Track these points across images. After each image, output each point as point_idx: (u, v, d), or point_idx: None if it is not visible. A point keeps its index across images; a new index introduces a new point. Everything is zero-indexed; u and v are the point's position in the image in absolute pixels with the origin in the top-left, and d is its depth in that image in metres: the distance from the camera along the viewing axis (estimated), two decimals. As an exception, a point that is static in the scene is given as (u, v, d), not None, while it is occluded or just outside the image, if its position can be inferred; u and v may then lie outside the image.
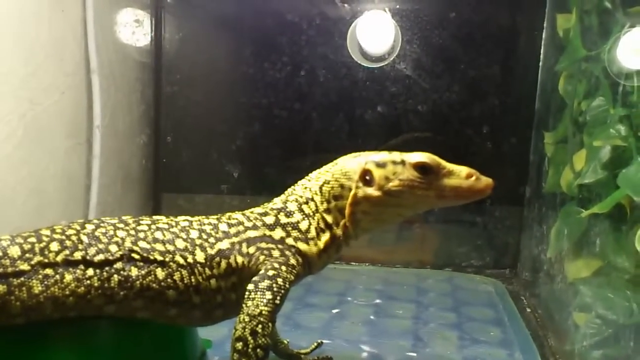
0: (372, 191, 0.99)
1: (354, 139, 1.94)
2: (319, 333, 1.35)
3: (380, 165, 0.99)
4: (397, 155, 1.00)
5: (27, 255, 0.87)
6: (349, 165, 1.02)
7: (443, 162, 0.99)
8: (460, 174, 0.99)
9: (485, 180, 0.99)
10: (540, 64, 1.79)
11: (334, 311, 1.51)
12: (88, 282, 0.88)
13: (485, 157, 1.86)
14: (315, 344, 1.25)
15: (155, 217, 1.00)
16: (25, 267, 0.86)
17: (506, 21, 1.88)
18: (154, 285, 0.91)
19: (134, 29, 1.89)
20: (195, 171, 2.04)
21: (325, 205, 1.02)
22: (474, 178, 0.98)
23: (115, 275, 0.90)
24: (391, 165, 0.99)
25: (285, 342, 1.21)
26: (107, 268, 0.90)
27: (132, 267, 0.91)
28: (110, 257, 0.90)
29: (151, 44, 1.97)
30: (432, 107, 1.88)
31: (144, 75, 1.97)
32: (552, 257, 1.51)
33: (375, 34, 1.85)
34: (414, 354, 1.28)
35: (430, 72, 1.87)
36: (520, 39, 1.88)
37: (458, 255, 1.95)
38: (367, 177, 1.00)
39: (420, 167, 0.98)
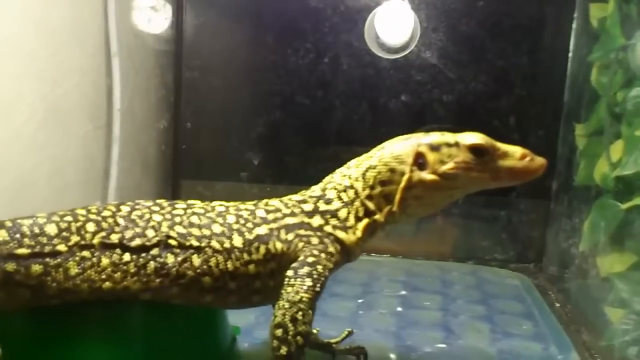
0: (427, 175, 0.96)
1: (377, 128, 1.90)
2: (347, 322, 1.32)
3: (434, 147, 0.96)
4: (450, 137, 0.97)
5: (64, 234, 0.85)
6: (400, 148, 0.99)
7: (497, 143, 0.97)
8: (514, 155, 0.96)
9: (540, 161, 0.97)
10: (571, 54, 1.76)
11: (360, 301, 1.48)
12: (124, 267, 0.86)
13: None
14: (346, 332, 1.21)
15: (189, 201, 0.98)
16: (62, 247, 0.84)
17: (535, 11, 1.85)
18: (190, 272, 0.89)
19: (155, 14, 1.86)
20: (214, 158, 2.01)
21: (367, 191, 0.99)
22: (528, 159, 0.96)
23: (152, 262, 0.88)
24: (445, 148, 0.96)
25: (315, 331, 1.18)
26: (143, 254, 0.88)
27: (169, 254, 0.89)
28: (148, 243, 0.88)
29: (172, 28, 1.94)
30: (458, 97, 1.85)
31: (164, 60, 1.95)
32: (585, 251, 1.48)
33: (393, 25, 1.82)
34: (447, 346, 1.25)
35: (456, 61, 1.83)
36: (549, 29, 1.84)
37: (481, 249, 1.92)
38: (420, 161, 0.96)
39: (475, 149, 0.95)
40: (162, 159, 1.97)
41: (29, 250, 0.83)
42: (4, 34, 1.23)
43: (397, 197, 0.98)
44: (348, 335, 1.21)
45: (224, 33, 2.00)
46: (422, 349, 1.23)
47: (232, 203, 1.00)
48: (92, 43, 1.56)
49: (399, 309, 1.44)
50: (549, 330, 1.36)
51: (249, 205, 0.99)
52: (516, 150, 0.97)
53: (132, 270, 0.87)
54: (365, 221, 0.99)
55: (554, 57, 1.81)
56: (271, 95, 1.95)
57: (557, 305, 1.57)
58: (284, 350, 0.86)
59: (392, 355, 1.20)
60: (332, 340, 1.18)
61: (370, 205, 0.99)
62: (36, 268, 0.83)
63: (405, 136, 1.01)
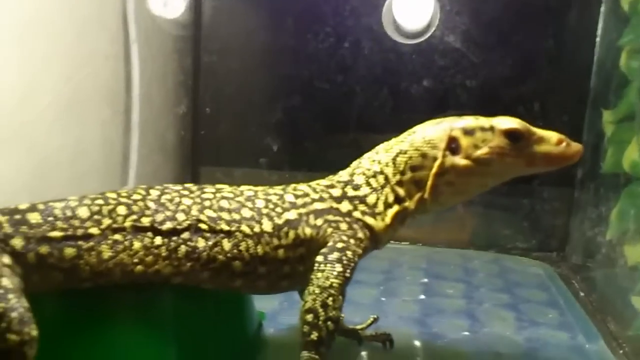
0: (460, 160, 0.94)
1: (398, 114, 1.88)
2: (371, 309, 1.31)
3: (468, 132, 0.94)
4: (485, 121, 0.95)
5: (96, 217, 0.85)
6: (432, 132, 0.97)
7: (532, 128, 0.94)
8: (550, 140, 0.94)
9: (576, 146, 0.95)
10: (599, 39, 1.72)
11: (382, 288, 1.47)
12: (156, 251, 0.86)
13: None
14: (372, 318, 1.20)
15: (218, 186, 0.97)
16: (95, 230, 0.84)
17: (561, -6, 1.82)
18: (220, 256, 0.88)
19: (173, -2, 1.85)
20: (233, 144, 1.99)
21: (398, 177, 0.97)
22: (564, 144, 0.94)
23: (183, 246, 0.87)
24: (480, 132, 0.94)
25: (341, 316, 1.17)
26: (174, 238, 0.87)
27: (199, 238, 0.88)
28: (178, 226, 0.88)
29: (190, 13, 1.92)
30: (481, 82, 1.82)
31: (183, 44, 1.93)
32: (613, 239, 1.45)
33: (411, 9, 1.80)
34: (472, 334, 1.23)
35: (480, 45, 1.80)
36: (575, 12, 1.80)
37: (503, 237, 1.89)
38: (453, 145, 0.94)
39: (511, 134, 0.93)
40: (181, 145, 1.96)
41: (62, 233, 0.82)
42: (32, 14, 1.23)
43: (429, 183, 0.96)
44: (373, 322, 1.19)
45: (242, 17, 1.98)
46: (448, 336, 1.21)
47: (260, 187, 0.99)
48: (112, 28, 1.55)
49: (422, 296, 1.43)
50: (575, 320, 1.34)
51: (278, 189, 0.98)
52: (552, 136, 0.95)
53: (164, 254, 0.86)
54: (395, 208, 0.97)
55: (581, 40, 1.78)
56: (290, 80, 1.94)
57: (582, 294, 1.55)
58: (314, 335, 0.85)
59: (417, 342, 1.18)
60: (358, 327, 1.17)
61: (401, 191, 0.97)
62: (69, 251, 0.82)
63: (437, 120, 0.99)
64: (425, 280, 1.55)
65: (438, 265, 1.67)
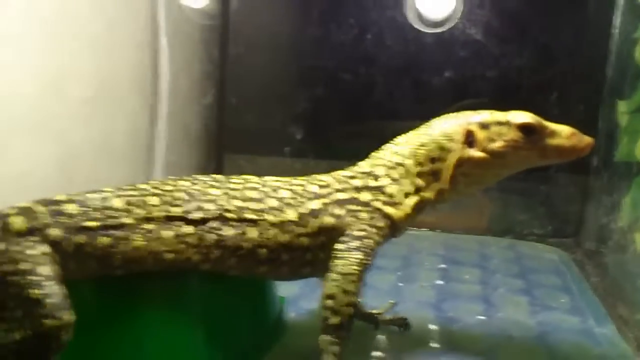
0: (476, 152, 0.99)
1: (419, 104, 1.93)
2: (389, 294, 1.37)
3: (484, 126, 1.00)
4: (500, 116, 1.00)
5: (129, 207, 0.90)
6: (449, 126, 1.02)
7: (545, 122, 1.00)
8: (562, 134, 0.99)
9: (587, 139, 1.00)
10: (617, 30, 1.75)
11: (400, 274, 1.53)
12: (186, 239, 0.91)
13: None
14: (389, 303, 1.26)
15: (244, 176, 1.02)
16: (128, 220, 0.89)
17: (578, -14, 1.85)
18: (247, 244, 0.93)
19: (201, -11, 1.89)
20: (258, 133, 2.05)
21: (417, 168, 1.02)
22: (576, 137, 0.99)
23: (212, 234, 0.92)
24: (495, 126, 0.99)
25: (359, 301, 1.22)
26: (203, 226, 0.92)
27: (227, 227, 0.93)
28: (207, 216, 0.92)
29: (217, 3, 1.97)
30: (501, 73, 1.86)
31: (210, 35, 1.98)
32: (625, 227, 1.50)
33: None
34: (487, 318, 1.28)
35: (500, 37, 1.84)
36: (593, 4, 1.83)
37: (519, 223, 1.94)
38: (470, 139, 1.00)
39: (525, 128, 0.98)
40: (207, 134, 2.01)
41: (97, 223, 0.87)
42: (59, 4, 1.27)
43: (447, 174, 1.01)
44: (391, 307, 1.25)
45: (268, 8, 2.03)
46: (463, 320, 1.27)
47: (284, 178, 1.04)
48: (141, 19, 1.59)
49: (439, 281, 1.48)
50: (587, 304, 1.39)
51: (301, 180, 1.03)
52: (564, 129, 1.00)
53: (194, 242, 0.91)
54: (414, 198, 1.02)
55: (598, 32, 1.81)
56: (314, 70, 1.98)
57: (595, 279, 1.59)
58: (335, 319, 0.91)
59: (433, 326, 1.24)
60: (375, 311, 1.23)
61: (420, 182, 1.02)
62: (104, 240, 0.87)
63: (454, 114, 1.05)
64: (443, 266, 1.60)
65: (455, 252, 1.72)
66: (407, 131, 1.08)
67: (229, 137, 2.05)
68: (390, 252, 1.65)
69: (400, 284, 1.46)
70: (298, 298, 1.31)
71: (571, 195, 1.91)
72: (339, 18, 1.92)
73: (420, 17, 1.87)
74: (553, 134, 0.99)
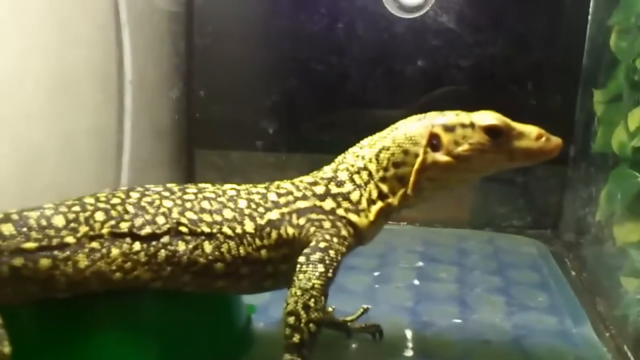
0: (441, 156, 0.95)
1: (393, 94, 1.88)
2: (364, 297, 1.33)
3: (449, 128, 0.95)
4: (465, 117, 0.96)
5: (72, 225, 0.85)
6: (413, 129, 0.97)
7: (512, 123, 0.95)
8: (530, 135, 0.95)
9: (555, 141, 0.96)
10: (590, 17, 1.71)
11: (376, 274, 1.49)
12: (135, 257, 0.86)
13: (529, 114, 1.78)
14: (362, 309, 1.22)
15: (201, 185, 0.97)
16: (70, 239, 0.84)
17: (554, -28, 1.80)
18: (202, 259, 0.89)
19: (165, -20, 1.83)
20: (229, 127, 1.99)
21: (381, 173, 0.98)
22: (544, 139, 0.95)
23: (163, 251, 0.87)
24: (460, 129, 0.95)
25: (331, 309, 1.18)
26: (154, 242, 0.87)
27: (179, 242, 0.88)
28: (158, 231, 0.88)
29: (183, -6, 1.91)
30: (475, 62, 1.81)
31: (176, 27, 1.92)
32: (602, 220, 1.46)
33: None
34: (462, 321, 1.25)
35: (473, 25, 1.79)
36: (568, -8, 1.79)
37: (499, 215, 1.91)
38: (434, 142, 0.95)
39: (491, 130, 0.94)
40: (176, 129, 1.96)
41: (36, 244, 0.82)
42: (9, 6, 1.21)
43: (411, 179, 0.97)
44: (364, 313, 1.21)
45: (235, -1, 1.97)
46: (437, 324, 1.23)
47: (243, 186, 0.99)
48: (102, 13, 1.54)
49: (416, 281, 1.45)
50: (564, 302, 1.36)
51: (261, 188, 0.99)
52: (532, 131, 0.95)
53: (143, 260, 0.86)
54: (379, 205, 0.98)
55: (574, 20, 1.76)
56: (285, 61, 1.93)
57: (573, 273, 1.56)
58: (296, 338, 0.86)
59: (408, 332, 1.20)
60: (348, 319, 1.19)
61: (384, 187, 0.98)
62: (44, 262, 0.82)
63: (419, 116, 1.00)
64: (421, 264, 1.56)
65: (434, 247, 1.69)
66: (382, 120, 1.04)
67: (199, 131, 1.99)
68: (367, 250, 1.58)
69: (376, 286, 1.42)
70: (268, 306, 1.26)
71: (550, 186, 1.88)
72: (310, 7, 1.86)
73: (396, 2, 1.82)
74: (520, 135, 0.95)
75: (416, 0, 1.81)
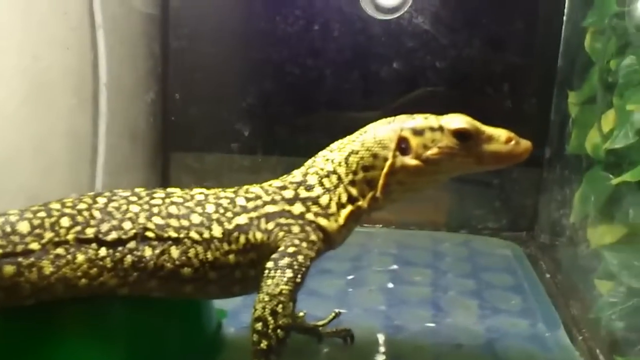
0: (410, 160, 0.94)
1: (369, 96, 1.88)
2: (335, 301, 1.32)
3: (418, 132, 0.94)
4: (434, 121, 0.95)
5: (37, 231, 0.84)
6: (382, 132, 0.97)
7: (481, 127, 0.94)
8: (499, 139, 0.94)
9: (525, 144, 0.95)
10: (565, 19, 1.71)
11: (349, 277, 1.48)
12: (100, 263, 0.85)
13: (504, 115, 1.80)
14: (333, 314, 1.21)
15: (169, 190, 0.96)
16: (35, 245, 0.83)
17: (529, -26, 1.81)
18: (169, 264, 0.88)
19: (140, -20, 1.82)
20: (204, 129, 1.98)
21: (350, 177, 0.97)
22: (513, 142, 0.94)
23: (129, 256, 0.86)
24: (429, 132, 0.94)
25: (302, 314, 1.18)
26: (120, 248, 0.86)
27: (146, 247, 0.87)
28: (124, 236, 0.87)
29: (158, -2, 1.90)
30: (451, 64, 1.81)
31: (151, 29, 1.91)
32: (576, 223, 1.47)
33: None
34: (435, 325, 1.25)
35: (449, 27, 1.79)
36: (544, -6, 1.80)
37: (474, 217, 1.91)
38: (403, 145, 0.95)
39: (460, 134, 0.93)
40: (151, 132, 1.95)
41: (0, 251, 0.82)
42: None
43: (380, 182, 0.96)
44: (335, 317, 1.21)
45: (210, 0, 1.96)
46: (410, 329, 1.23)
47: (212, 191, 0.98)
48: (76, 15, 1.52)
49: (389, 285, 1.44)
50: (538, 305, 1.36)
51: (229, 192, 0.98)
52: (501, 134, 0.95)
53: (109, 266, 0.86)
54: (349, 208, 0.98)
55: (549, 22, 1.77)
56: (261, 64, 1.92)
57: (548, 275, 1.57)
58: (264, 344, 0.85)
59: (380, 336, 1.20)
60: (319, 323, 1.18)
61: (353, 191, 0.98)
62: (8, 269, 0.81)
63: (388, 119, 0.99)
64: (395, 267, 1.56)
65: (408, 250, 1.68)
66: (358, 122, 1.03)
67: (175, 134, 1.98)
68: (340, 253, 1.57)
69: (349, 290, 1.42)
70: (240, 310, 1.24)
71: (525, 188, 1.88)
72: (285, 8, 1.86)
73: (373, 3, 1.82)
74: (490, 139, 0.94)
75: (393, 1, 1.81)
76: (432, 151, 0.94)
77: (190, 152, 2.00)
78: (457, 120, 0.94)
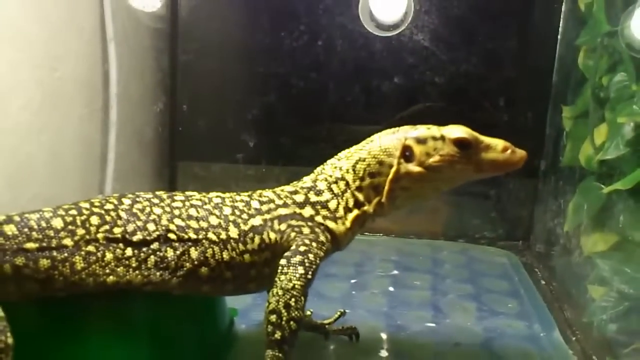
0: (414, 167, 1.01)
1: (370, 109, 1.94)
2: (340, 303, 1.38)
3: (421, 141, 1.01)
4: (436, 131, 1.02)
5: (70, 227, 0.89)
6: (388, 141, 1.04)
7: (480, 136, 1.01)
8: (496, 148, 1.01)
9: (520, 153, 1.02)
10: (559, 37, 1.78)
11: (353, 281, 1.54)
12: (127, 262, 0.90)
13: (501, 129, 1.86)
14: (339, 313, 1.27)
15: (188, 193, 1.02)
16: (68, 241, 0.88)
17: (525, -7, 1.88)
18: (188, 264, 0.93)
19: (150, -3, 1.88)
20: (211, 140, 2.04)
21: (358, 182, 1.04)
22: (509, 151, 1.01)
23: (152, 257, 0.92)
24: (431, 141, 1.01)
25: (309, 312, 1.23)
26: (144, 249, 0.91)
27: (168, 248, 0.93)
28: (148, 237, 0.92)
29: (167, 10, 1.96)
30: (449, 79, 1.88)
31: (160, 42, 1.96)
32: (570, 231, 1.53)
33: (387, 2, 1.84)
34: (435, 325, 1.30)
35: (447, 43, 1.86)
36: (538, 12, 1.86)
37: (472, 227, 1.97)
38: (407, 153, 1.02)
39: (460, 142, 1.00)
40: (159, 141, 2.00)
41: (37, 244, 0.86)
42: (1, 21, 1.25)
43: (386, 188, 1.03)
44: (341, 316, 1.26)
45: (219, 15, 2.02)
46: (412, 328, 1.28)
47: (228, 194, 1.04)
48: (89, 29, 1.57)
49: (391, 288, 1.50)
50: (534, 308, 1.42)
51: (244, 196, 1.04)
52: (498, 143, 1.02)
53: (134, 265, 0.90)
54: (355, 212, 1.04)
55: (544, 40, 1.84)
56: (266, 77, 1.98)
57: (543, 282, 1.62)
58: (278, 335, 0.91)
59: (383, 335, 1.25)
60: (325, 321, 1.24)
61: (360, 196, 1.04)
62: (44, 262, 0.86)
63: (393, 129, 1.06)
64: (396, 272, 1.62)
65: (408, 257, 1.74)
66: (359, 135, 1.10)
67: (182, 144, 2.03)
68: (344, 259, 1.66)
69: (353, 292, 1.47)
70: (251, 309, 1.31)
71: (522, 199, 1.94)
72: (290, 24, 1.92)
73: (374, 20, 1.88)
74: (488, 148, 1.01)
75: (393, 18, 1.87)
76: (434, 159, 1.01)
77: (196, 161, 2.05)
78: (458, 130, 1.01)
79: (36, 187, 1.41)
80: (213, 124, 2.03)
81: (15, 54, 1.31)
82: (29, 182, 1.39)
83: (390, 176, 1.02)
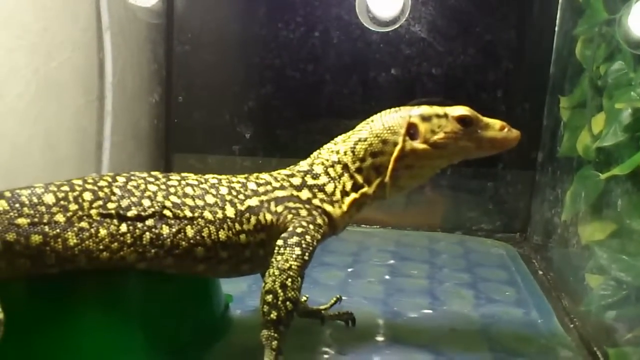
0: (419, 144, 1.02)
1: (367, 101, 1.93)
2: (337, 290, 1.36)
3: (426, 118, 1.02)
4: (439, 109, 1.04)
5: (62, 203, 0.88)
6: (392, 119, 1.04)
7: (480, 116, 1.03)
8: (495, 126, 1.04)
9: (515, 132, 1.05)
10: (557, 28, 1.78)
11: (350, 270, 1.53)
12: (121, 238, 0.89)
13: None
14: (335, 298, 1.26)
15: (183, 174, 1.01)
16: (60, 217, 0.86)
17: (522, -16, 1.88)
18: (184, 242, 0.93)
19: (146, -13, 1.87)
20: (207, 131, 2.03)
21: (357, 164, 1.04)
22: (506, 130, 1.04)
23: (147, 233, 0.91)
24: (435, 119, 1.02)
25: (305, 298, 1.22)
26: (139, 225, 0.90)
27: (164, 225, 0.92)
28: (143, 213, 0.91)
29: (162, 1, 1.95)
30: (447, 71, 1.88)
31: (156, 34, 1.96)
32: (567, 220, 1.52)
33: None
34: (432, 311, 1.30)
35: (445, 35, 1.86)
36: (536, 3, 1.87)
37: (469, 219, 1.96)
38: (412, 131, 1.02)
39: (462, 120, 1.02)
40: (155, 133, 1.99)
41: (28, 220, 0.85)
42: (-2, 7, 1.25)
43: (390, 166, 1.03)
44: (336, 302, 1.25)
45: (215, 6, 2.01)
46: (408, 315, 1.28)
47: (224, 176, 1.03)
48: (84, 17, 1.57)
49: (387, 277, 1.49)
50: (531, 297, 1.41)
51: (241, 178, 1.03)
52: (496, 122, 1.05)
53: (129, 241, 0.89)
54: (352, 196, 1.04)
55: (541, 30, 1.84)
56: (262, 69, 1.97)
57: (540, 272, 1.62)
58: (273, 314, 0.90)
59: (380, 321, 1.24)
60: (321, 307, 1.23)
61: (359, 178, 1.04)
62: (35, 238, 0.84)
63: (395, 108, 1.06)
64: (392, 262, 1.61)
65: (405, 248, 1.74)
66: (355, 126, 1.09)
67: (178, 135, 2.03)
68: (341, 249, 1.66)
69: (349, 280, 1.46)
70: (246, 295, 1.31)
71: (519, 190, 1.94)
72: (286, 15, 1.92)
73: (370, 16, 1.88)
74: (487, 126, 1.04)
75: (390, 14, 1.86)
76: (439, 136, 1.02)
77: (192, 153, 2.04)
78: (460, 109, 1.03)
79: (31, 175, 1.40)
80: (209, 115, 2.02)
81: (12, 42, 1.30)
82: (24, 171, 1.38)
83: (396, 154, 1.02)
